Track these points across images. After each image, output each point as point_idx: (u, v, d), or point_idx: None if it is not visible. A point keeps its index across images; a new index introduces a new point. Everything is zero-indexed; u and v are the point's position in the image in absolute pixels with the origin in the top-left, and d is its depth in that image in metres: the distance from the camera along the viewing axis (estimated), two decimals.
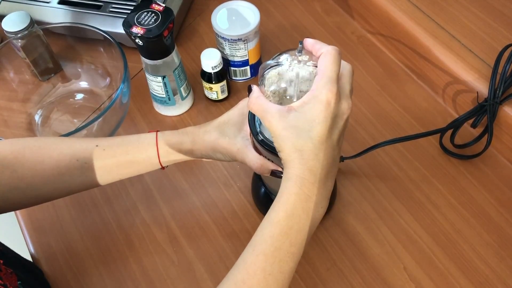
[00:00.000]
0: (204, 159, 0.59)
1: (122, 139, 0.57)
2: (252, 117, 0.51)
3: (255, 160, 0.53)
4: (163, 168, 0.58)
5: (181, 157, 0.57)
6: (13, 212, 0.71)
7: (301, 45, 0.46)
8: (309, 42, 0.46)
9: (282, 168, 0.45)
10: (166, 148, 0.56)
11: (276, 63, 0.47)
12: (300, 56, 0.46)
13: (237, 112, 0.56)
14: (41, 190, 0.54)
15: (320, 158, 0.43)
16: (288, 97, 0.46)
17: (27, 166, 0.53)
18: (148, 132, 0.58)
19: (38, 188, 0.54)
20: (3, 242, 0.57)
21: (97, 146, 0.55)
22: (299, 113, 0.43)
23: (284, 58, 0.47)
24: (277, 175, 0.52)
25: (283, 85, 0.46)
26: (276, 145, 0.44)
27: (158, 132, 0.57)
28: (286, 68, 0.46)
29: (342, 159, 0.69)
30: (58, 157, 0.54)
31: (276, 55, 0.48)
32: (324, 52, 0.43)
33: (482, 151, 0.69)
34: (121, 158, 0.56)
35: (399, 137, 0.66)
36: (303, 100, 0.43)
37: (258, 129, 0.50)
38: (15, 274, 0.53)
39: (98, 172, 0.55)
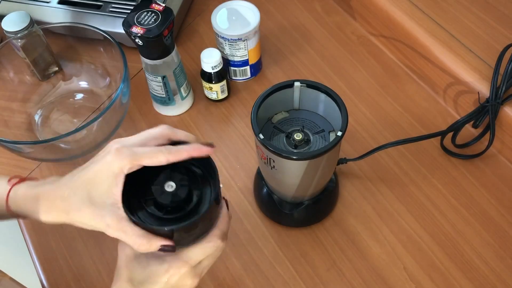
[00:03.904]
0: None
1: None
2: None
3: (137, 237, 0.42)
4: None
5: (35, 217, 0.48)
6: None
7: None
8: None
9: (174, 242, 0.42)
10: (18, 204, 0.48)
11: None
12: None
13: (107, 166, 0.41)
14: None
15: None
16: None
17: None
18: (10, 179, 0.49)
19: None
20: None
21: None
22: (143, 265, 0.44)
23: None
24: (166, 250, 0.43)
25: None
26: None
27: (14, 186, 0.49)
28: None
29: (345, 161, 0.68)
30: None
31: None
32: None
33: (483, 151, 0.69)
34: None
35: (402, 139, 0.66)
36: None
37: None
38: None
39: None
